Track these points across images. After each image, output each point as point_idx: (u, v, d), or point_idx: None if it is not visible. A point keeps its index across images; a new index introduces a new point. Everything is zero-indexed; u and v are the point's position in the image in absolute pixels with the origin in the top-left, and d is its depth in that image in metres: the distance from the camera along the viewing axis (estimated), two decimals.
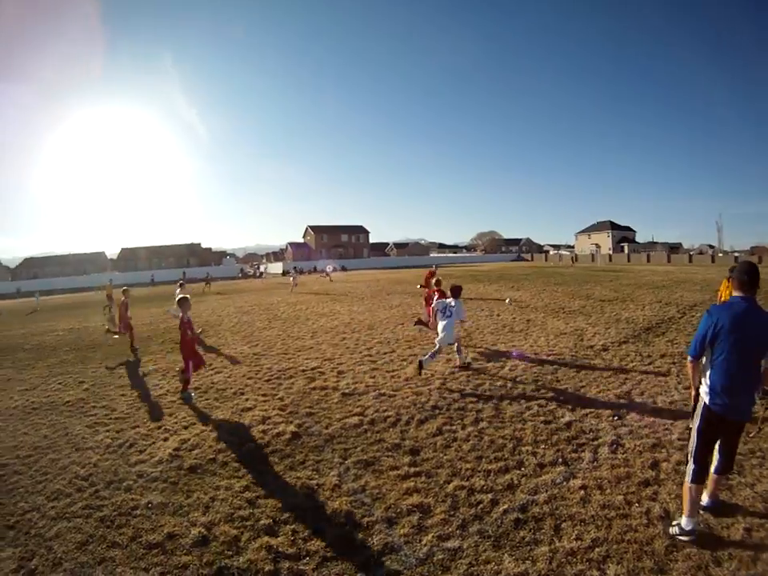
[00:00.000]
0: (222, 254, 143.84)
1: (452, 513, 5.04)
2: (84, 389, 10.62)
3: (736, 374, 4.45)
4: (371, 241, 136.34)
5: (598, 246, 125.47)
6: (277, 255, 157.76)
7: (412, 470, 5.98)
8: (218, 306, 28.12)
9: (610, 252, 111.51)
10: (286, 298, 30.66)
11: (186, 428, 7.67)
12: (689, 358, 4.79)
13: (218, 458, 6.48)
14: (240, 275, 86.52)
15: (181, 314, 9.68)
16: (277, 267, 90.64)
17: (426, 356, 10.42)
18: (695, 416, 4.78)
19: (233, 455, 6.55)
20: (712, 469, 4.95)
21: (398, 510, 5.08)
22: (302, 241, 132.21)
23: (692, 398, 4.91)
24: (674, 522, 4.80)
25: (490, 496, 5.36)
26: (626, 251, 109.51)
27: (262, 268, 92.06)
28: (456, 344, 11.16)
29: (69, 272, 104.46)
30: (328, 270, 48.81)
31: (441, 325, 10.76)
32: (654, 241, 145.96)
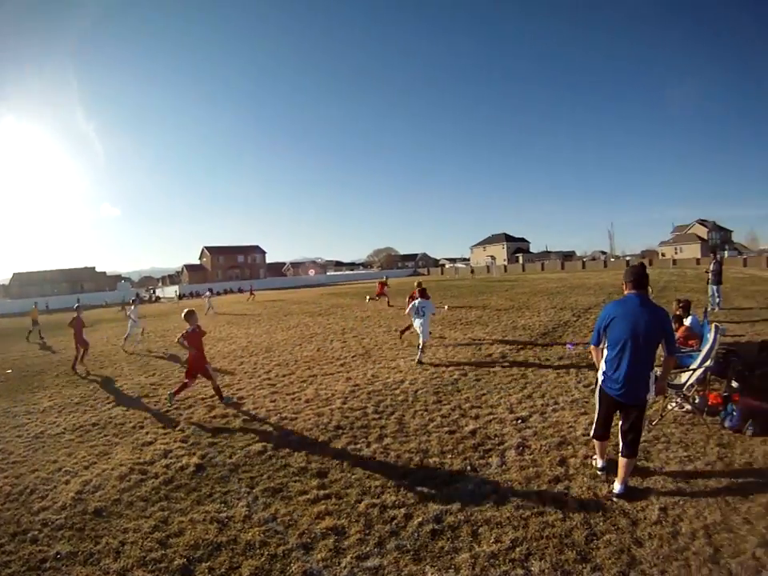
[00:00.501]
0: (117, 278, 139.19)
1: (367, 531, 4.94)
2: None
3: (626, 362, 5.16)
4: (268, 261, 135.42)
5: (493, 257, 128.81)
6: (173, 278, 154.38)
7: (321, 492, 5.85)
8: (112, 334, 26.87)
9: (506, 263, 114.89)
10: (182, 324, 29.68)
11: (86, 468, 7.21)
12: (591, 345, 5.73)
13: (123, 497, 6.13)
14: (136, 300, 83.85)
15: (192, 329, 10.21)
16: (172, 291, 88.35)
17: (419, 355, 12.99)
18: (596, 390, 5.71)
19: (138, 493, 6.21)
20: (620, 451, 5.40)
21: (313, 535, 4.94)
22: (198, 263, 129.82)
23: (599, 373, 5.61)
24: (594, 457, 6.03)
25: (403, 510, 5.30)
26: (521, 261, 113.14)
27: (158, 292, 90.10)
28: (424, 341, 13.25)
29: None
30: (207, 295, 48.83)
31: (417, 322, 13.18)
32: (548, 250, 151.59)
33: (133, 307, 21.04)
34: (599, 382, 5.57)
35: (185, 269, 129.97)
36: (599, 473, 5.85)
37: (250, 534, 5.05)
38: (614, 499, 5.32)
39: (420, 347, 13.03)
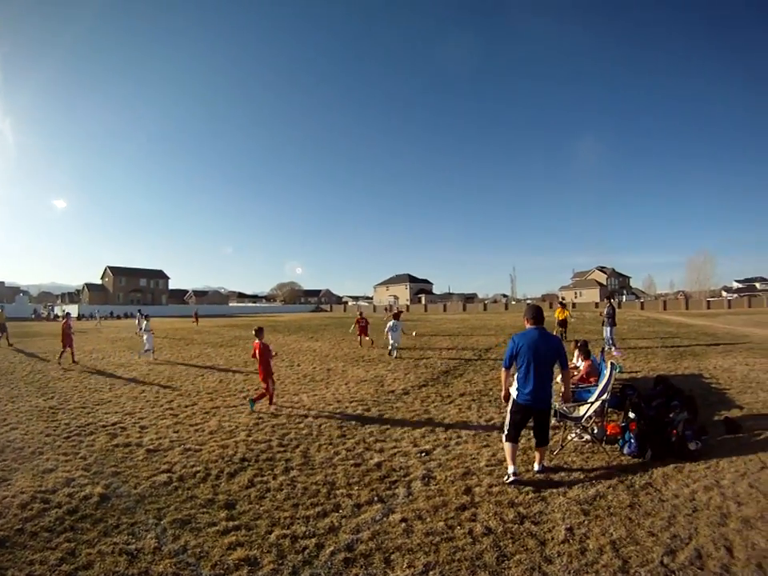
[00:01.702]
0: (16, 291, 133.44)
1: (280, 561, 4.90)
2: None
3: (533, 378, 6.57)
4: (171, 287, 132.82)
5: (396, 297, 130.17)
6: (72, 296, 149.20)
7: (231, 524, 5.76)
8: (8, 351, 25.77)
9: (408, 303, 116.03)
10: (82, 345, 28.78)
11: None
12: (502, 368, 7.03)
13: (26, 527, 5.81)
14: (33, 316, 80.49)
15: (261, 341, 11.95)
16: (72, 309, 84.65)
17: (394, 353, 20.45)
18: (509, 406, 6.93)
19: (41, 524, 5.91)
20: (534, 443, 7.00)
21: (226, 566, 4.86)
22: (99, 282, 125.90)
23: (503, 395, 7.08)
24: (506, 475, 6.63)
25: (314, 540, 5.28)
26: (423, 302, 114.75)
27: (56, 310, 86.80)
28: (396, 345, 20.78)
29: None
30: (138, 315, 48.01)
31: (392, 335, 20.66)
32: (451, 292, 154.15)
33: (146, 322, 22.49)
34: (512, 398, 6.85)
35: (86, 287, 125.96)
36: (512, 477, 6.52)
37: (161, 566, 4.90)
38: (537, 476, 6.83)
39: (394, 348, 20.70)
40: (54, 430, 9.93)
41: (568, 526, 5.29)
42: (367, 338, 25.65)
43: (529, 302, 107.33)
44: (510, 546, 4.94)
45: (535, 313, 6.88)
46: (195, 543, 5.33)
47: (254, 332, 12.30)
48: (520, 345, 6.67)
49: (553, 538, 5.05)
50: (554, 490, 6.24)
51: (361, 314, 28.38)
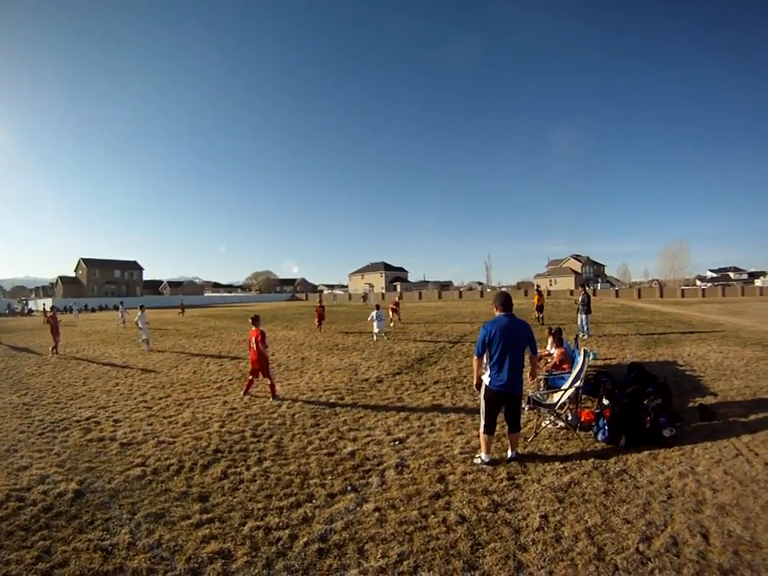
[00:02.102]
0: None
1: (254, 554, 4.89)
2: None
3: (506, 364, 6.61)
4: (145, 278, 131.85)
5: (371, 285, 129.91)
6: (47, 290, 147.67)
7: (204, 516, 5.73)
8: None
9: (383, 291, 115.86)
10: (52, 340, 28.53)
11: None
12: (475, 356, 7.02)
13: (2, 527, 5.74)
14: (7, 311, 79.49)
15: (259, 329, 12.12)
16: (46, 303, 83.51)
17: (384, 337, 22.30)
18: (481, 393, 6.95)
19: (17, 522, 5.84)
20: (507, 429, 7.06)
21: (200, 560, 4.83)
22: (73, 275, 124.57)
23: (475, 383, 7.12)
24: (477, 456, 7.02)
25: (287, 531, 5.28)
26: (399, 290, 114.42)
27: (30, 304, 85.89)
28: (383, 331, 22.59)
29: None
30: (74, 308, 47.82)
31: (376, 323, 22.33)
32: (426, 280, 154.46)
33: (140, 313, 22.70)
34: (484, 385, 6.87)
35: (60, 281, 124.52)
36: (485, 466, 6.75)
37: (135, 561, 4.87)
38: (511, 462, 6.86)
39: (381, 333, 22.46)
40: (28, 427, 9.83)
41: (543, 513, 5.31)
42: (320, 325, 28.71)
43: (503, 289, 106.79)
44: (485, 534, 4.95)
45: (504, 300, 6.95)
46: (169, 537, 5.31)
47: (250, 320, 12.59)
48: (492, 332, 6.68)
49: (527, 526, 5.07)
50: (528, 477, 6.26)
51: (320, 301, 32.48)
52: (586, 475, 6.26)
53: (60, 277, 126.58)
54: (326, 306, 37.72)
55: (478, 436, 7.33)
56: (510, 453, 7.04)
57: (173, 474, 7.06)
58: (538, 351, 8.27)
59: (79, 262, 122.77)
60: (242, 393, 12.06)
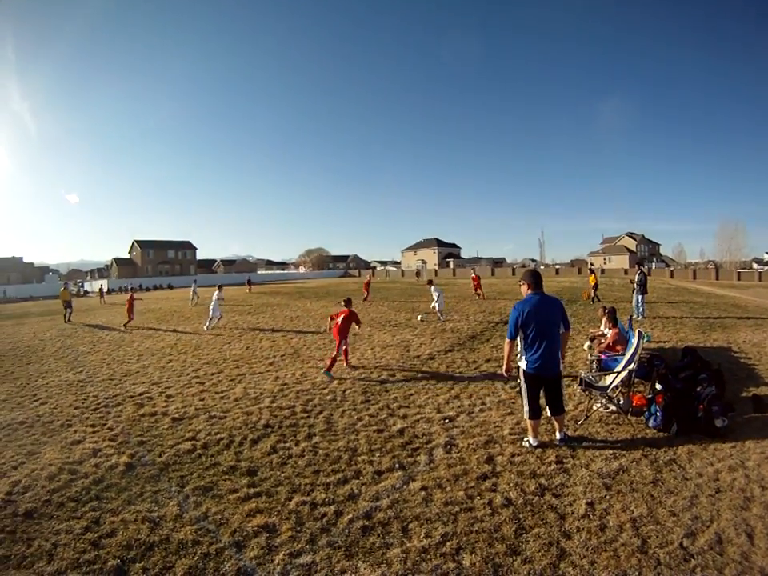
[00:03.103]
0: (45, 270, 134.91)
1: (299, 529, 4.92)
2: None
3: (541, 344, 6.43)
4: (198, 257, 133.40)
5: (424, 261, 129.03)
6: (102, 272, 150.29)
7: (252, 490, 5.80)
8: (40, 328, 25.84)
9: (436, 267, 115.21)
10: (111, 318, 29.12)
11: (15, 468, 6.89)
12: (507, 339, 6.76)
13: (53, 498, 5.89)
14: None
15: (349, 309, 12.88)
16: (102, 285, 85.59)
17: (442, 317, 20.80)
18: (521, 378, 6.81)
19: (68, 494, 5.98)
20: (549, 413, 6.88)
21: (245, 533, 4.89)
22: (127, 257, 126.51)
23: (504, 368, 6.92)
24: (525, 440, 6.86)
25: (333, 508, 5.30)
26: (452, 266, 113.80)
27: (86, 286, 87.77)
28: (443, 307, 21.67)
29: None
30: (193, 286, 49.22)
31: (437, 301, 21.19)
32: (479, 256, 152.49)
33: (217, 291, 22.76)
34: (522, 370, 6.72)
35: (114, 262, 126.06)
36: (534, 449, 6.63)
37: (182, 533, 4.96)
38: (558, 445, 6.73)
39: (438, 312, 21.10)
40: (83, 403, 10.07)
41: (589, 500, 5.22)
42: (366, 298, 31.58)
43: (558, 266, 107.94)
44: (530, 518, 4.90)
45: (535, 277, 6.77)
46: (216, 510, 5.39)
47: (343, 302, 13.33)
48: (525, 312, 6.46)
49: (573, 512, 5.00)
50: (577, 462, 6.16)
51: (369, 277, 34.89)
52: (635, 463, 6.12)
53: (114, 259, 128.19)
54: (379, 282, 37.98)
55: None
56: (558, 434, 6.89)
57: (222, 449, 7.16)
58: (592, 331, 8.03)
59: (133, 243, 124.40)
60: (323, 370, 11.95)
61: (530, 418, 6.65)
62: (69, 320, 28.31)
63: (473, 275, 34.78)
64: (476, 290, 31.82)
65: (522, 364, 6.67)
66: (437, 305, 21.38)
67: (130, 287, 31.81)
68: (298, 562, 4.39)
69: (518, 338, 6.67)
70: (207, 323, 21.96)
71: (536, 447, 6.65)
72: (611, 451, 6.45)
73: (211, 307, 22.31)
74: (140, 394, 10.42)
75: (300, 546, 4.63)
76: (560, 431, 6.90)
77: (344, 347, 12.63)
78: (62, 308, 29.36)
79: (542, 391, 6.70)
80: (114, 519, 5.32)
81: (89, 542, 4.92)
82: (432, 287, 22.17)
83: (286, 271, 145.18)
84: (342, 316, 12.63)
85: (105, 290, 58.82)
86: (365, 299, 31.72)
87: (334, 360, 11.99)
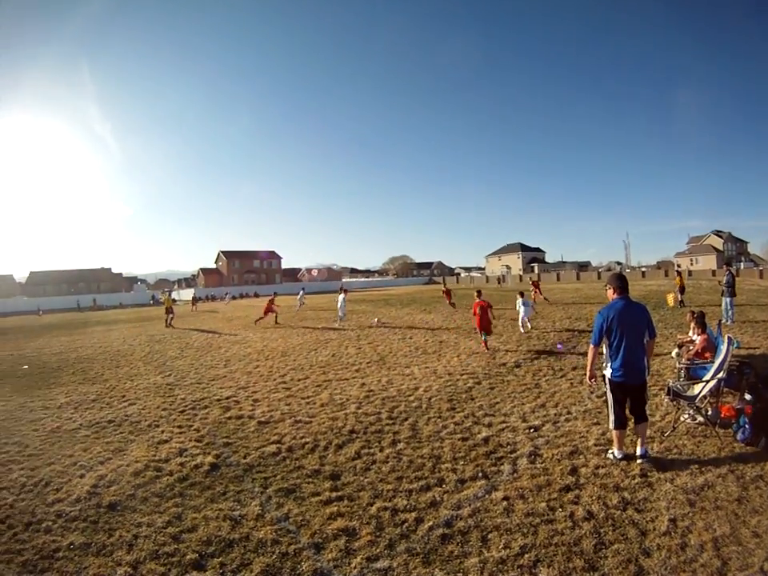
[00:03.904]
0: (133, 280, 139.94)
1: (378, 534, 4.97)
2: None
3: (626, 351, 6.28)
4: (284, 266, 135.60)
5: (508, 267, 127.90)
6: (188, 281, 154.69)
7: (334, 494, 5.88)
8: (129, 334, 27.23)
9: (521, 273, 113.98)
10: (199, 325, 30.18)
11: (102, 463, 7.27)
12: (591, 345, 6.72)
13: (138, 493, 6.18)
14: (151, 302, 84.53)
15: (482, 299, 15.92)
16: (188, 294, 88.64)
17: (528, 326, 19.71)
18: (606, 387, 6.72)
19: (152, 489, 6.26)
20: (633, 421, 6.64)
21: (324, 535, 4.98)
22: (213, 266, 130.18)
23: (588, 375, 6.88)
24: (609, 451, 6.68)
25: (414, 514, 5.32)
26: (536, 271, 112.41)
27: (173, 295, 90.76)
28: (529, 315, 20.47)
29: None
30: (226, 297, 50.95)
31: (524, 310, 19.67)
32: (564, 260, 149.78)
33: (343, 295, 26.74)
34: (607, 378, 6.61)
35: (201, 272, 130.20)
36: (618, 462, 6.45)
37: (262, 532, 5.09)
38: (638, 461, 6.35)
39: (525, 320, 19.77)
40: (170, 405, 10.48)
41: (672, 516, 5.06)
42: (452, 303, 32.14)
43: (644, 269, 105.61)
44: (610, 533, 4.80)
45: (620, 282, 6.60)
46: (297, 512, 5.50)
47: (476, 293, 16.75)
48: (610, 318, 6.37)
49: (654, 529, 4.85)
50: (662, 476, 5.97)
51: (444, 283, 34.21)
52: (720, 478, 5.87)
53: (201, 268, 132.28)
54: (464, 288, 38.00)
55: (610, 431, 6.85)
56: (638, 450, 6.52)
57: (307, 453, 7.29)
58: (680, 337, 7.94)
59: (219, 254, 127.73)
60: (485, 348, 15.35)
61: (615, 428, 6.50)
62: (170, 324, 29.81)
63: (532, 281, 35.95)
64: (536, 295, 32.05)
65: (607, 372, 6.55)
66: (521, 317, 20.21)
67: (273, 293, 34.14)
68: (374, 567, 4.44)
69: (603, 345, 6.56)
70: (339, 321, 25.61)
71: (620, 459, 6.47)
72: (697, 465, 6.23)
73: (339, 307, 25.92)
74: (227, 398, 10.73)
75: (378, 550, 4.69)
76: (641, 446, 6.52)
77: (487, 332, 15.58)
78: (162, 314, 31.52)
79: (627, 401, 6.54)
80: (195, 516, 5.52)
81: (169, 536, 5.13)
82: (520, 299, 20.43)
83: (370, 279, 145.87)
84: (479, 307, 15.34)
85: (197, 298, 61.03)
86: (452, 305, 32.24)
87: (485, 343, 15.41)
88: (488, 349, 15.31)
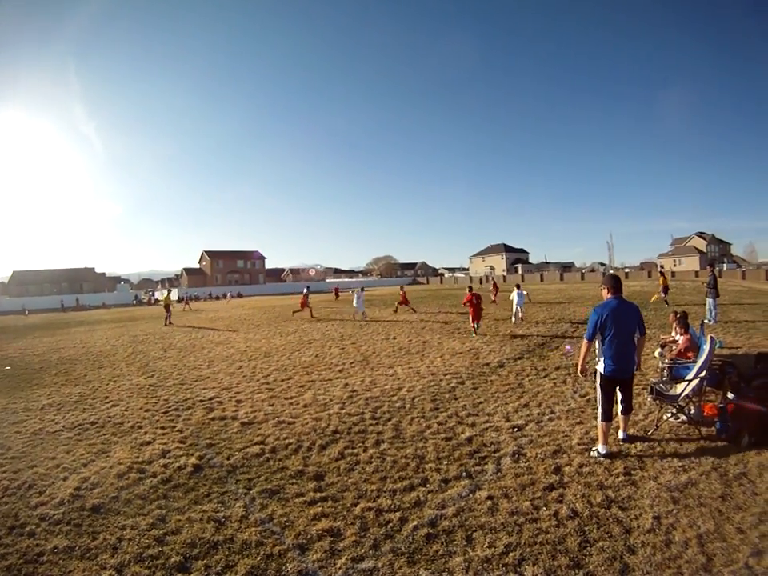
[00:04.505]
0: (117, 280, 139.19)
1: (363, 534, 4.97)
2: None
3: (619, 348, 6.71)
4: (267, 266, 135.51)
5: (492, 267, 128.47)
6: (172, 281, 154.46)
7: (318, 495, 5.87)
8: (112, 334, 27.10)
9: (505, 273, 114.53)
10: (181, 326, 30.02)
11: (85, 465, 7.22)
12: (585, 340, 7.01)
13: (121, 495, 6.14)
14: (134, 302, 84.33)
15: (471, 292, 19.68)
16: (172, 294, 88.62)
17: (518, 320, 22.48)
18: (597, 381, 7.06)
19: (136, 492, 6.22)
20: (620, 410, 7.15)
21: (309, 536, 4.96)
22: (197, 266, 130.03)
23: (579, 369, 7.26)
24: (593, 449, 6.83)
25: (398, 514, 5.32)
26: (520, 272, 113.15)
27: (156, 295, 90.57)
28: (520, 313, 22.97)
29: None
30: (228, 295, 51.75)
31: (517, 300, 22.48)
32: (547, 261, 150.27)
33: (360, 292, 29.55)
34: (599, 373, 6.96)
35: (184, 272, 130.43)
36: (602, 459, 6.59)
37: (246, 533, 5.07)
38: (620, 443, 7.08)
39: (514, 315, 22.78)
40: (153, 406, 10.43)
41: (656, 514, 5.09)
42: (408, 307, 31.93)
43: (627, 270, 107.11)
44: (595, 531, 4.82)
45: (615, 282, 7.05)
46: (282, 513, 5.49)
47: (467, 288, 20.06)
48: (604, 316, 6.75)
49: (639, 526, 4.88)
50: (645, 474, 6.01)
51: (402, 287, 35.64)
52: (704, 476, 5.92)
53: (184, 269, 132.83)
54: (447, 289, 38.13)
55: (596, 426, 7.22)
56: (620, 434, 7.25)
57: (290, 453, 7.28)
58: (663, 337, 8.96)
59: (202, 254, 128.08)
60: (474, 334, 18.75)
61: (602, 420, 6.79)
62: (170, 322, 30.90)
63: (493, 282, 36.66)
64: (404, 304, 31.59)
65: (600, 367, 6.93)
66: (515, 307, 22.81)
67: (306, 287, 37.35)
68: (360, 567, 4.42)
69: (596, 341, 6.97)
70: (360, 315, 28.22)
71: (604, 456, 6.63)
72: (680, 463, 6.27)
73: (355, 304, 28.33)
74: (210, 399, 10.69)
75: (363, 551, 4.68)
76: (623, 430, 7.26)
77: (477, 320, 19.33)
78: (163, 312, 32.91)
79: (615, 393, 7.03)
80: (179, 518, 5.50)
81: (153, 538, 5.10)
82: (516, 291, 22.89)
83: (354, 279, 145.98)
84: (473, 298, 19.12)
85: (189, 297, 61.46)
86: (400, 305, 31.94)
87: (474, 330, 19.12)
88: (476, 334, 18.80)
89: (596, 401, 7.25)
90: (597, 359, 7.11)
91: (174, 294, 77.91)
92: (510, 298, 23.46)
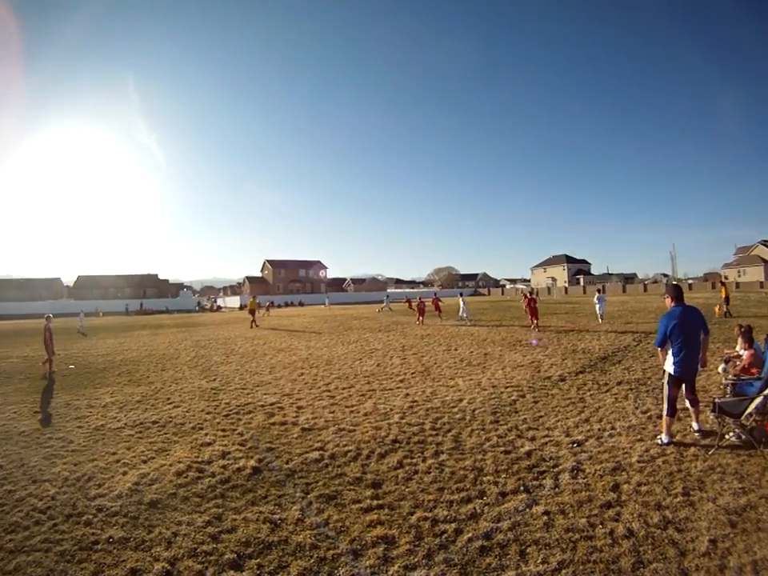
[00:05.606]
0: (180, 286, 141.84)
1: (417, 543, 4.99)
2: (39, 419, 10.34)
3: (687, 350, 7.50)
4: (329, 276, 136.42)
5: (554, 279, 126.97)
6: (234, 289, 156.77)
7: (374, 502, 5.91)
8: (175, 338, 27.81)
9: (566, 285, 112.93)
10: (243, 332, 30.57)
11: (145, 462, 7.45)
12: (657, 348, 8.06)
13: (179, 492, 6.32)
14: (197, 308, 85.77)
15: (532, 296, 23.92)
16: (234, 301, 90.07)
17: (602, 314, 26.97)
18: (665, 380, 7.87)
19: (194, 490, 6.39)
20: (688, 404, 8.07)
21: (363, 542, 5.01)
22: (259, 275, 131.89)
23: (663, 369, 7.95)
24: (658, 437, 7.80)
25: (453, 525, 5.32)
26: (582, 283, 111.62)
27: (219, 302, 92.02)
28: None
29: (25, 297, 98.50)
30: (266, 305, 53.06)
31: (599, 305, 27.25)
32: (609, 272, 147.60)
33: (463, 297, 33.06)
34: (668, 373, 7.76)
35: (246, 280, 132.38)
36: (665, 446, 7.52)
37: (301, 536, 5.16)
38: (696, 435, 7.90)
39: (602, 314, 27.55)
40: (215, 409, 10.66)
41: (712, 537, 4.95)
42: (420, 319, 32.53)
43: (690, 282, 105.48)
44: (649, 552, 4.73)
45: (677, 291, 7.98)
46: (337, 518, 5.56)
47: (528, 292, 20.48)
48: (671, 325, 7.59)
49: (694, 549, 4.76)
50: (704, 495, 5.86)
51: (420, 298, 36.31)
52: (763, 499, 5.72)
53: (247, 277, 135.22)
54: (509, 301, 38.50)
55: (660, 417, 8.33)
56: (695, 425, 8.15)
57: (349, 460, 7.35)
58: (727, 352, 9.67)
59: (264, 263, 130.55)
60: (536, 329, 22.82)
61: (667, 415, 7.67)
62: (256, 325, 32.94)
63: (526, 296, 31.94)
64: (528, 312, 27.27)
65: (669, 368, 7.73)
66: (598, 311, 27.60)
67: (419, 297, 38.12)
68: (412, 575, 4.46)
69: (667, 345, 7.78)
70: (466, 319, 30.93)
71: (667, 444, 7.54)
72: (740, 485, 6.09)
73: (462, 309, 31.38)
74: (271, 404, 10.86)
75: (416, 559, 4.70)
76: (697, 422, 8.13)
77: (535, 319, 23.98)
78: (248, 316, 35.90)
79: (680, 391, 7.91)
80: (235, 517, 5.62)
81: (208, 535, 5.24)
82: (597, 295, 27.78)
83: (415, 290, 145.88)
84: (530, 302, 24.21)
85: (271, 303, 62.50)
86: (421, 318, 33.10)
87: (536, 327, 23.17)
88: (538, 329, 23.22)
89: (663, 395, 8.01)
90: (666, 361, 7.84)
91: (236, 301, 79.31)
92: (594, 300, 28.19)
